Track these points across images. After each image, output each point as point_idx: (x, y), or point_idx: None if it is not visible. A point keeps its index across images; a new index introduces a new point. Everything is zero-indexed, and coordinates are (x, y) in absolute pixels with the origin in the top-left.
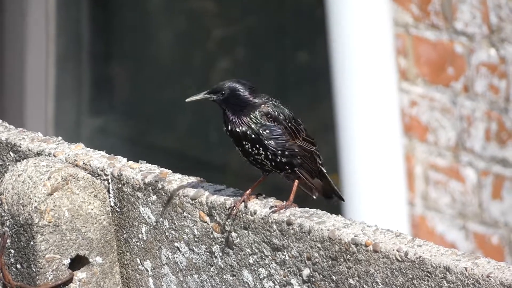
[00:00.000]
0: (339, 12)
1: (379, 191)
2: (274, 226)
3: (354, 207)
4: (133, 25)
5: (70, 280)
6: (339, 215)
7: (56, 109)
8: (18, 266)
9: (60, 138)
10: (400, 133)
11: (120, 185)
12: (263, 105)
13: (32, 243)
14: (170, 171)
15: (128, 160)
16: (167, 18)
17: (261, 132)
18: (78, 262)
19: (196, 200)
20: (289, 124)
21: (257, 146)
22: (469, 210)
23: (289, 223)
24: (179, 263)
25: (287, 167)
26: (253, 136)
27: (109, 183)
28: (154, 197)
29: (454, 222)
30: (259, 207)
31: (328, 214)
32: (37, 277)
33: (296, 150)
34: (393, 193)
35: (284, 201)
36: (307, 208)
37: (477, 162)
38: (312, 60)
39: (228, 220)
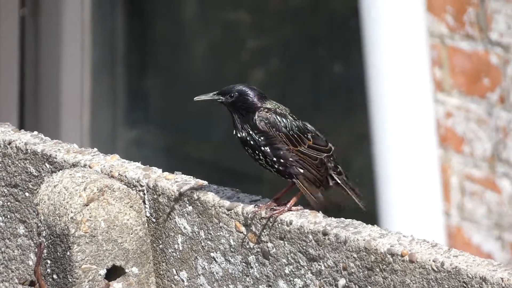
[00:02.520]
0: (374, 23)
1: (415, 201)
2: (310, 236)
3: (390, 217)
4: (168, 37)
5: None
6: (375, 225)
7: (91, 120)
8: (55, 276)
9: (95, 149)
10: (436, 144)
11: (155, 196)
12: (262, 111)
13: (68, 253)
14: (206, 182)
15: (163, 171)
16: (202, 29)
17: (256, 138)
18: (114, 273)
19: (232, 211)
20: (291, 132)
21: (257, 152)
22: (506, 221)
23: (325, 233)
24: (215, 273)
25: (286, 176)
26: (251, 142)
27: (144, 194)
28: (190, 207)
29: (491, 232)
30: (294, 217)
31: (364, 224)
32: (73, 287)
33: (291, 159)
34: (429, 203)
35: (285, 206)
36: (342, 218)
37: None
38: (347, 71)
39: (264, 230)
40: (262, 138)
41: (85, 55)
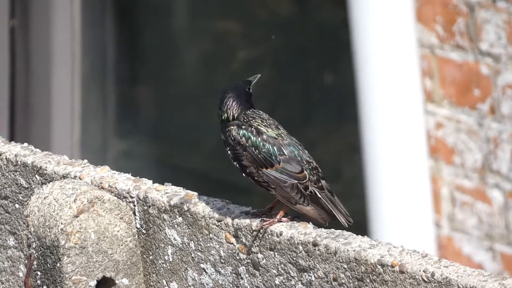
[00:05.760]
0: (364, 33)
1: (406, 212)
2: (300, 247)
3: (380, 228)
4: (158, 47)
5: None
6: (365, 236)
7: (82, 132)
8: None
9: (85, 161)
10: (426, 155)
11: (145, 207)
12: (231, 126)
13: (58, 265)
14: (196, 193)
15: (153, 182)
16: (192, 40)
17: (227, 150)
18: (104, 284)
19: (222, 222)
20: (256, 151)
21: (232, 160)
22: (496, 232)
23: (315, 244)
24: (205, 284)
25: (264, 188)
26: (228, 151)
27: (134, 205)
28: (180, 219)
29: (481, 243)
30: (284, 228)
31: (354, 235)
32: None
33: (259, 179)
34: (420, 214)
35: (275, 217)
36: (333, 229)
37: (503, 184)
38: (337, 82)
39: (255, 242)
40: (230, 152)
41: (75, 66)
